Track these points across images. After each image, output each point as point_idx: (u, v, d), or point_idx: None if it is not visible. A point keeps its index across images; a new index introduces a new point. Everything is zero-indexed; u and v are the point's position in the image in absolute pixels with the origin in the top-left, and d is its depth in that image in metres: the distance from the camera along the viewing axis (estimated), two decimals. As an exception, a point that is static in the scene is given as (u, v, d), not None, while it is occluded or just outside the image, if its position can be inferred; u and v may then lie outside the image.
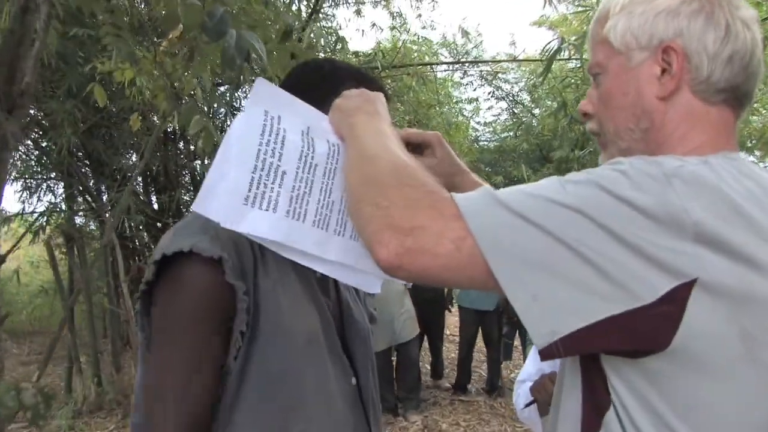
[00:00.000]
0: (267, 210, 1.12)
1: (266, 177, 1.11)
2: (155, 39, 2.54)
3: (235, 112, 7.84)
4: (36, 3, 1.58)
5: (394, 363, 6.56)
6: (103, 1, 2.33)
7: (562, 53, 6.44)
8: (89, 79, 3.88)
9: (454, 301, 7.46)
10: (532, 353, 2.39)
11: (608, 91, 1.09)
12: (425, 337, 7.30)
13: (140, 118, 3.00)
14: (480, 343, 7.26)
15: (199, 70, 2.33)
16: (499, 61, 11.06)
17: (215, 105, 6.82)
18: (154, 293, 1.20)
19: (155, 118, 6.33)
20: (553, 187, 0.91)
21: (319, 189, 1.18)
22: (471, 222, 0.90)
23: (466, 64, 11.71)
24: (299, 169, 1.15)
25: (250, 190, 1.10)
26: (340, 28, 9.42)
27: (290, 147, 1.15)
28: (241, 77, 1.94)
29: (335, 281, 1.45)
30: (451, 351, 8.73)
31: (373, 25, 10.39)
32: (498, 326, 7.14)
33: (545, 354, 0.89)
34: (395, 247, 0.91)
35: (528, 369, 2.32)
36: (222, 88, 7.06)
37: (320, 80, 1.35)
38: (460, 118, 12.96)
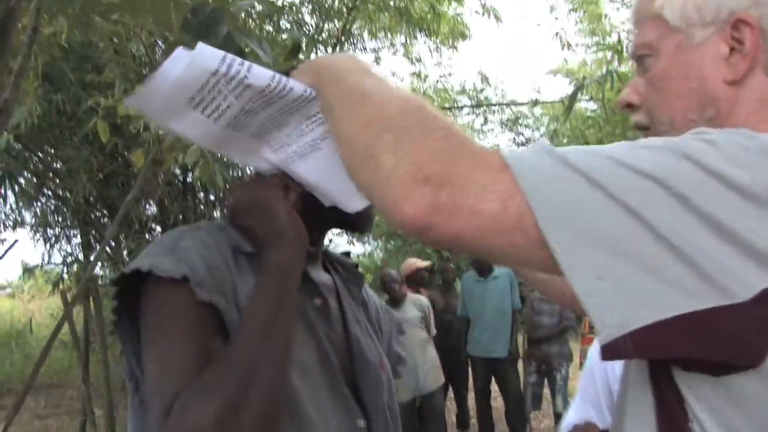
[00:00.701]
0: (209, 117, 1.04)
1: (225, 84, 1.00)
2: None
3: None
4: (15, 14, 1.49)
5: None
6: (104, 26, 2.25)
7: (583, 92, 6.38)
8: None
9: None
10: (576, 402, 2.15)
11: (662, 75, 0.92)
12: (449, 387, 7.08)
13: (144, 154, 2.91)
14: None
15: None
16: (520, 104, 11.01)
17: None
18: (140, 321, 1.09)
19: (174, 167, 6.29)
20: (623, 151, 0.72)
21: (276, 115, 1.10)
22: (522, 177, 0.71)
23: (486, 111, 11.69)
24: (266, 89, 1.04)
25: (200, 90, 1.00)
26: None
27: (259, 70, 1.03)
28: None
29: (341, 313, 1.33)
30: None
31: (393, 74, 10.40)
32: (515, 374, 6.91)
33: (609, 351, 0.69)
34: (426, 202, 0.71)
35: (570, 419, 2.10)
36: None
37: None
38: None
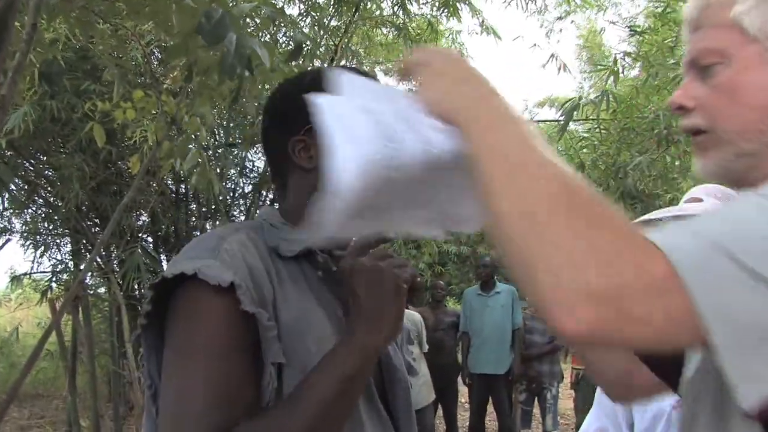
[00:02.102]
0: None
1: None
2: (158, 78, 2.45)
3: (246, 173, 7.82)
4: (14, 8, 1.47)
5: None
6: (103, 29, 2.23)
7: (579, 113, 6.41)
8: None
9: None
10: (592, 413, 2.11)
11: (736, 84, 0.89)
12: (439, 404, 7.05)
13: (140, 161, 2.89)
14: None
15: (201, 107, 2.21)
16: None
17: (224, 167, 6.77)
18: (167, 325, 1.07)
19: (167, 177, 6.28)
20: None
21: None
22: (689, 281, 0.67)
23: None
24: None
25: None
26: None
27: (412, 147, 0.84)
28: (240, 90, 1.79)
29: None
30: (466, 418, 8.43)
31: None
32: (508, 392, 6.92)
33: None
34: (590, 320, 0.68)
35: (587, 430, 2.07)
36: (234, 150, 7.05)
37: (311, 85, 1.22)
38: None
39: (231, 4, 1.74)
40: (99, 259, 7.17)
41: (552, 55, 8.39)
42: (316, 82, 1.22)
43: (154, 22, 1.65)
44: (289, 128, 1.24)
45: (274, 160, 1.32)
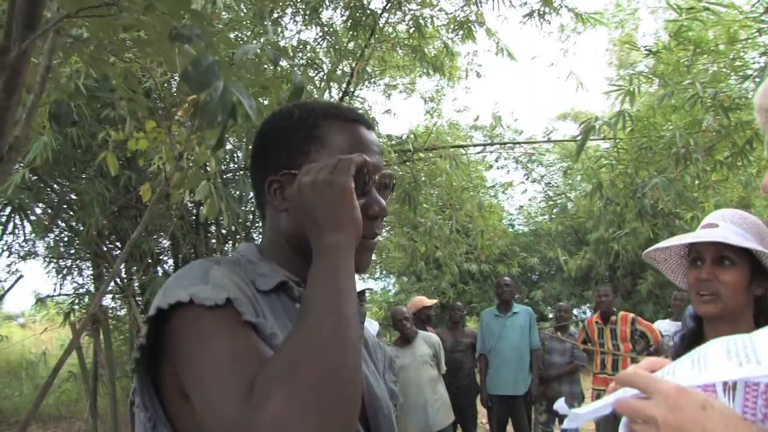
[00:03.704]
0: None
1: None
2: (170, 108, 2.51)
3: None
4: (27, 56, 1.53)
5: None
6: (116, 67, 2.29)
7: (595, 132, 6.39)
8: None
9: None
10: None
11: None
12: (458, 426, 7.02)
13: (152, 189, 2.95)
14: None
15: (210, 138, 2.26)
16: (532, 142, 11.02)
17: (242, 190, 6.83)
18: (174, 351, 1.06)
19: (186, 201, 6.34)
20: None
21: None
22: None
23: (500, 148, 11.71)
24: None
25: None
26: (370, 108, 9.50)
27: None
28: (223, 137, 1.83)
29: None
30: (486, 440, 8.39)
31: (393, 114, 10.48)
32: (528, 413, 6.88)
33: None
34: None
35: None
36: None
37: (294, 126, 1.27)
38: (494, 201, 12.90)
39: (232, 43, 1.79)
40: (120, 282, 7.26)
41: (570, 73, 8.39)
42: (303, 120, 1.26)
43: (161, 59, 1.70)
44: (267, 167, 1.26)
45: (255, 195, 1.35)
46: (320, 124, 1.25)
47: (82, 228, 6.08)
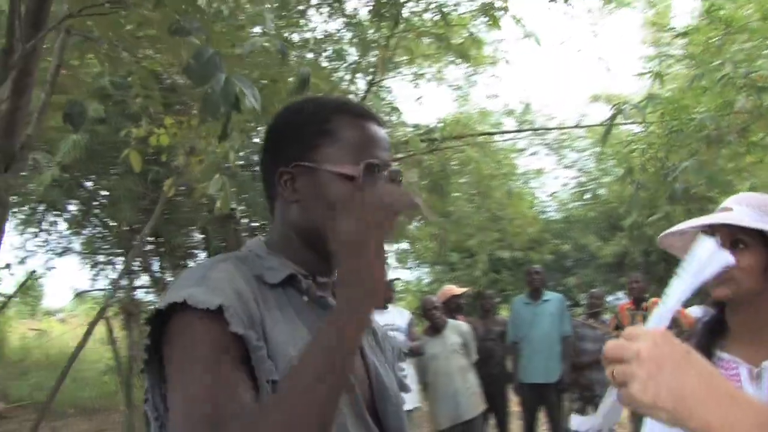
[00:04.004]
0: None
1: None
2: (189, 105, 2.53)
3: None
4: (35, 55, 1.56)
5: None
6: (133, 65, 2.32)
7: (624, 116, 6.30)
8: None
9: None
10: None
11: None
12: (491, 416, 6.99)
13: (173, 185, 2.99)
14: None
15: (214, 131, 2.28)
16: (561, 128, 10.91)
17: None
18: (164, 353, 1.09)
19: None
20: None
21: None
22: None
23: (531, 134, 11.62)
24: None
25: None
26: (396, 99, 9.46)
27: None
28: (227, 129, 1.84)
29: None
30: (518, 428, 8.34)
31: (421, 103, 10.45)
32: (560, 401, 6.83)
33: None
34: None
35: None
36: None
37: (306, 120, 1.28)
38: (526, 188, 12.80)
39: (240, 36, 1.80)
40: (153, 276, 7.37)
41: (599, 57, 8.29)
42: (315, 114, 1.27)
43: (171, 54, 1.72)
44: (279, 159, 1.27)
45: (264, 188, 1.35)
46: (332, 118, 1.26)
47: (113, 224, 6.18)
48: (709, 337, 1.72)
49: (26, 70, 1.54)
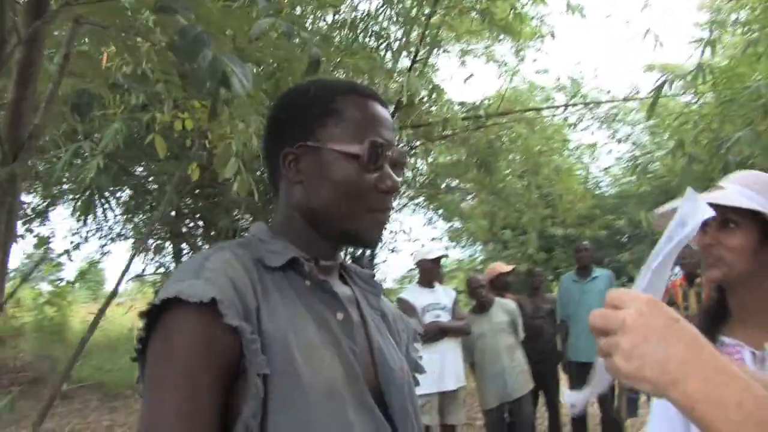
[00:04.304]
0: None
1: None
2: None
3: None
4: (39, 46, 1.58)
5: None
6: (149, 50, 2.34)
7: (672, 87, 6.10)
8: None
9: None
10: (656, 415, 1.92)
11: None
12: (539, 393, 6.94)
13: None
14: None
15: (243, 114, 2.29)
16: (611, 102, 10.65)
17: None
18: (151, 345, 1.09)
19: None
20: None
21: None
22: None
23: (583, 108, 11.38)
24: None
25: None
26: (439, 79, 9.36)
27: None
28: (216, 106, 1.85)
29: (363, 324, 1.32)
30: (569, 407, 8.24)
31: (467, 81, 10.33)
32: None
33: None
34: None
35: None
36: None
37: (311, 100, 1.28)
38: (576, 164, 12.57)
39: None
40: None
41: (647, 30, 8.03)
42: (320, 95, 1.27)
43: (165, 35, 1.72)
44: (283, 139, 1.27)
45: (268, 172, 1.36)
46: (336, 98, 1.26)
47: (161, 210, 6.30)
48: (712, 321, 1.67)
49: (29, 60, 1.57)
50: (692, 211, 0.92)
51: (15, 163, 1.56)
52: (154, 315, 1.08)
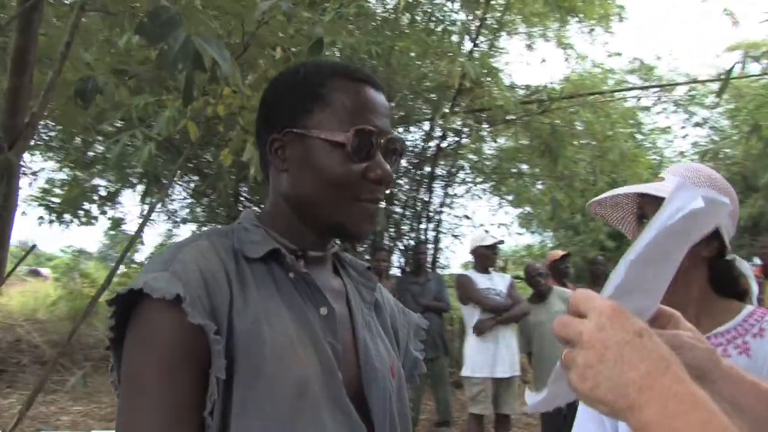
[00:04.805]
0: None
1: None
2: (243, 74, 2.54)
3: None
4: (33, 36, 1.58)
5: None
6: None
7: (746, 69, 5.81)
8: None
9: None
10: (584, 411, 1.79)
11: None
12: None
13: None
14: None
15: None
16: (688, 83, 10.22)
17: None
18: (127, 339, 1.06)
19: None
20: None
21: None
22: None
23: (659, 91, 10.99)
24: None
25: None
26: (503, 62, 9.16)
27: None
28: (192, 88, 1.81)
29: (351, 319, 1.27)
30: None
31: (537, 62, 10.10)
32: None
33: None
34: None
35: None
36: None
37: (299, 84, 1.22)
38: (651, 149, 12.15)
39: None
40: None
41: (725, 10, 7.67)
42: (309, 78, 1.21)
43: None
44: (271, 125, 1.22)
45: (259, 155, 1.31)
46: (326, 82, 1.20)
47: (220, 194, 6.41)
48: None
49: (23, 48, 1.58)
50: (682, 201, 0.83)
51: (12, 151, 1.58)
52: (120, 303, 1.05)
